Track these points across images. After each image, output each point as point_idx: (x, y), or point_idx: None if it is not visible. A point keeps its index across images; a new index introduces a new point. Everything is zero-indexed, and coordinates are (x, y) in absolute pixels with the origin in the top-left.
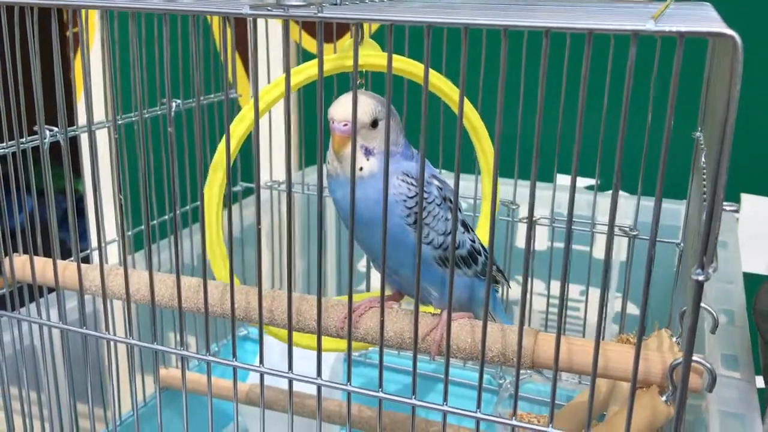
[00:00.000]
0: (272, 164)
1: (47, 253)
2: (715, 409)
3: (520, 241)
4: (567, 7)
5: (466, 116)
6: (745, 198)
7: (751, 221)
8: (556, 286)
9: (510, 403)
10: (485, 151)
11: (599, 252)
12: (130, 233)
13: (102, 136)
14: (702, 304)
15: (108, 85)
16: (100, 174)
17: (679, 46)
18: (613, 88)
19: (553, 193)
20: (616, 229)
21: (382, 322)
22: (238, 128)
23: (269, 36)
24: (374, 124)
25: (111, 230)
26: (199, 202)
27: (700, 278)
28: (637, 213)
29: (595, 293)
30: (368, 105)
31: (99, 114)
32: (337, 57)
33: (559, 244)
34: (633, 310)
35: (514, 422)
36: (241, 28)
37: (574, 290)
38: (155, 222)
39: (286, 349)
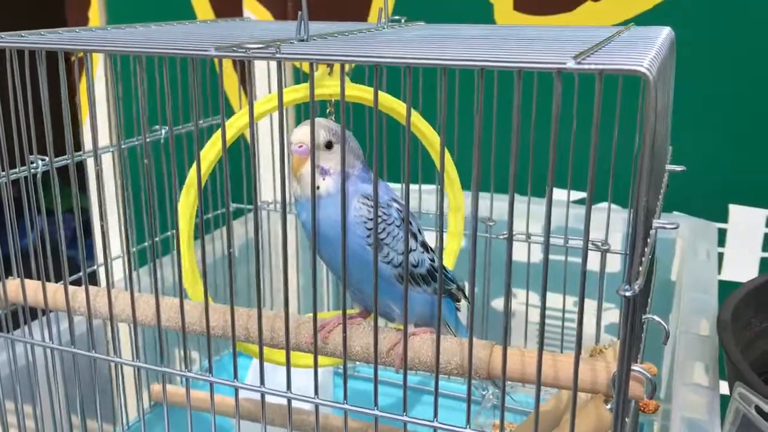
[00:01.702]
0: (258, 185)
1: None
2: (677, 414)
3: (499, 258)
4: (521, 36)
5: (415, 126)
6: (733, 209)
7: (739, 231)
8: (534, 299)
9: (493, 413)
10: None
11: (576, 264)
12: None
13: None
14: (654, 317)
15: (112, 114)
16: (96, 198)
17: (599, 82)
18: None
19: (523, 205)
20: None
21: (344, 338)
22: (210, 153)
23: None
24: (329, 145)
25: (116, 249)
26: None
27: (628, 294)
28: (607, 227)
29: (576, 305)
30: (322, 128)
31: (103, 140)
32: (304, 87)
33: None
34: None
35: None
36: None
37: (554, 300)
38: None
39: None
